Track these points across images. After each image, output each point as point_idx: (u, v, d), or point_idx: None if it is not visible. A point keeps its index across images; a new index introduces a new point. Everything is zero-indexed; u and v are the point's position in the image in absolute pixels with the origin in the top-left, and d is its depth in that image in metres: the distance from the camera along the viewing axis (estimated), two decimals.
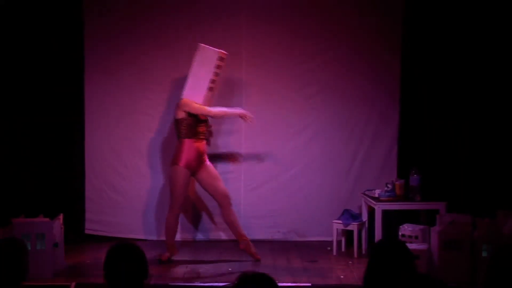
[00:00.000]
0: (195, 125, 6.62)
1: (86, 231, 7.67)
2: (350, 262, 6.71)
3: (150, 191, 7.63)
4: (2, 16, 7.34)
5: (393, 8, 7.52)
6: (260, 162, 7.66)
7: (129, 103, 7.62)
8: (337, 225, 7.03)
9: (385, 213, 6.77)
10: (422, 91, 7.50)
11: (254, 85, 7.62)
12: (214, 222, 7.61)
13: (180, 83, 6.91)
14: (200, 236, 7.69)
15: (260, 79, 7.62)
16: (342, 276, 6.17)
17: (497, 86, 7.26)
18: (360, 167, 7.63)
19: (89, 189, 7.65)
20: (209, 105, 6.69)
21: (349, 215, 7.05)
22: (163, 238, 6.97)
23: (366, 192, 7.14)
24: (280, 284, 2.80)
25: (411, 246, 5.44)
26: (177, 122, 6.65)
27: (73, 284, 5.43)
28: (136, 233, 7.56)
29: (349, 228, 6.98)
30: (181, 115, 6.60)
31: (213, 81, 6.69)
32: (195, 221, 7.70)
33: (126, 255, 3.22)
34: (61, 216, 6.45)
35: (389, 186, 6.87)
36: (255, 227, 7.56)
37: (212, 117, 6.75)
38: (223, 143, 7.64)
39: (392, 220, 7.01)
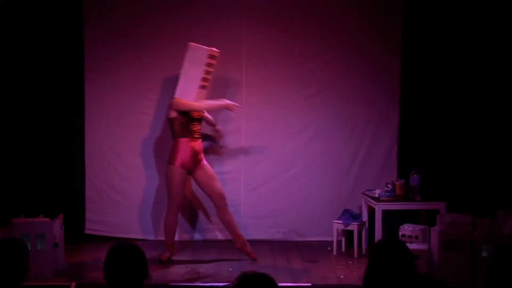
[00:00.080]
0: (188, 124, 6.63)
1: (86, 231, 7.67)
2: (350, 262, 6.72)
3: (150, 191, 7.63)
4: (2, 16, 7.34)
5: (393, 8, 7.52)
6: (260, 162, 7.66)
7: (129, 103, 7.63)
8: (337, 225, 7.03)
9: (385, 213, 6.77)
10: (422, 91, 7.50)
11: (254, 85, 7.62)
12: (211, 222, 7.61)
13: None
14: (198, 236, 7.69)
15: (260, 79, 7.62)
16: (342, 276, 6.17)
17: (497, 86, 7.27)
18: (360, 167, 7.63)
19: (89, 189, 7.65)
20: None
21: (349, 215, 7.05)
22: (163, 238, 6.97)
23: (366, 192, 7.14)
24: (280, 284, 2.80)
25: (411, 246, 5.44)
26: (170, 122, 6.70)
27: (73, 284, 5.45)
28: (136, 233, 7.57)
29: (349, 228, 6.98)
30: (173, 114, 6.64)
31: (204, 79, 6.69)
32: (192, 221, 7.70)
33: (126, 255, 3.22)
34: (61, 216, 6.46)
35: (389, 186, 6.87)
36: (255, 227, 7.56)
37: (199, 111, 6.70)
38: (223, 143, 7.64)
39: (392, 220, 7.00)
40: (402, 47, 7.51)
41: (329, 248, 7.17)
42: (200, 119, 6.77)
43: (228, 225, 6.81)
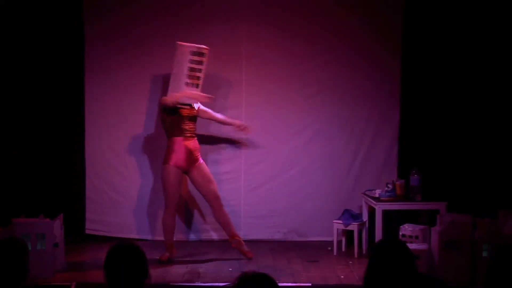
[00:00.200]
0: (179, 122, 6.63)
1: (87, 231, 7.67)
2: (351, 262, 6.72)
3: (150, 191, 7.62)
4: (2, 16, 7.34)
5: (393, 8, 7.52)
6: (260, 162, 7.66)
7: (129, 103, 7.63)
8: (338, 225, 7.03)
9: (385, 213, 6.77)
10: (422, 91, 7.50)
11: (254, 85, 7.61)
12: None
13: None
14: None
15: (260, 79, 7.61)
16: (342, 276, 6.17)
17: (497, 86, 7.27)
18: (360, 167, 7.63)
19: (89, 189, 7.65)
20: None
21: (349, 215, 7.05)
22: (162, 238, 6.95)
23: (367, 192, 7.14)
24: (280, 284, 2.80)
25: (411, 246, 5.44)
26: (162, 122, 6.76)
27: (73, 284, 5.45)
28: (137, 233, 7.57)
29: (349, 228, 6.98)
30: (162, 113, 6.70)
31: (189, 77, 6.68)
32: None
33: (126, 255, 3.21)
34: (61, 216, 6.45)
35: (390, 186, 6.87)
36: (255, 227, 7.57)
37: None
38: (223, 143, 7.64)
39: (392, 220, 7.00)
40: (402, 47, 7.51)
41: (329, 248, 7.17)
42: (193, 118, 6.74)
43: (224, 225, 6.82)
